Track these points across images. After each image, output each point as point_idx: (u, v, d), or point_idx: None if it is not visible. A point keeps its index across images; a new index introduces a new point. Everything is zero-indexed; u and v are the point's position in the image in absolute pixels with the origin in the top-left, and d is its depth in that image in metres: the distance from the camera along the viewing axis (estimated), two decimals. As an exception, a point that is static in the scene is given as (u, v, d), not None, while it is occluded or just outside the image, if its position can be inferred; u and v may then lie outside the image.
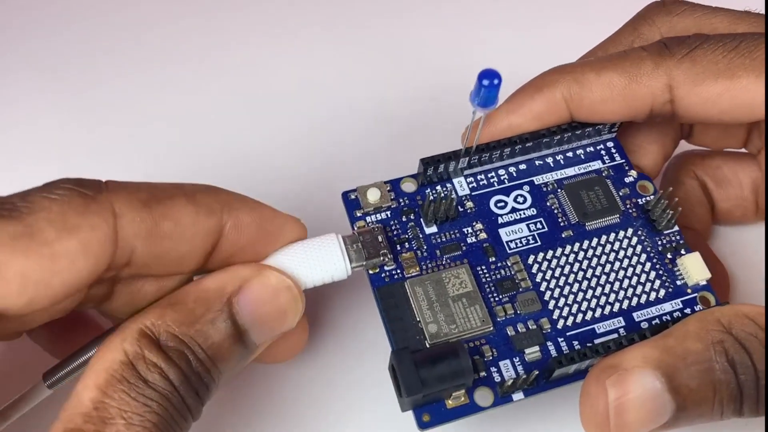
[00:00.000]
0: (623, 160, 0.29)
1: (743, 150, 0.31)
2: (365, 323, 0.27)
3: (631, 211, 0.27)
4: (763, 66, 0.25)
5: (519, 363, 0.25)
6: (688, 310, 0.26)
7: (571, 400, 0.23)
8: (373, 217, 0.27)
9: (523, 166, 0.28)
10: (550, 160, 0.28)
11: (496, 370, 0.24)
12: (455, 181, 0.28)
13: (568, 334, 0.25)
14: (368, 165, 0.28)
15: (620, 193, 0.28)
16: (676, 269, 0.26)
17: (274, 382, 0.27)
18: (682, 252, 0.27)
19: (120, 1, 0.39)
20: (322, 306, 0.28)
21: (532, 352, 0.25)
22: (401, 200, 0.27)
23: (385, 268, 0.26)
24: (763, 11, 0.28)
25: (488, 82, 0.23)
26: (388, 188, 0.27)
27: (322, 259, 0.25)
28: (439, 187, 0.27)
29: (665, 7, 0.29)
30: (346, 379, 0.27)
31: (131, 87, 0.36)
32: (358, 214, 0.27)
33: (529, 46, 0.37)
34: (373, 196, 0.27)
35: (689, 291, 0.26)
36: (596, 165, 0.28)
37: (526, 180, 0.28)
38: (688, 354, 0.22)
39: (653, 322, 0.25)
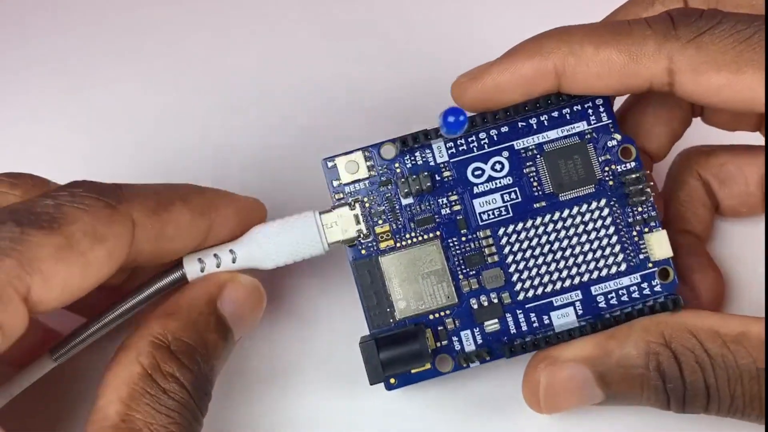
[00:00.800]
0: (609, 120, 0.28)
1: (750, 143, 0.29)
2: (344, 293, 0.29)
3: (608, 179, 0.28)
4: None
5: (478, 333, 0.27)
6: (645, 285, 0.27)
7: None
8: (351, 187, 0.28)
9: (505, 129, 0.28)
10: (533, 121, 0.28)
11: (457, 339, 0.27)
12: (434, 146, 0.28)
13: (526, 306, 0.27)
14: (346, 141, 0.28)
15: (600, 160, 0.28)
16: (641, 242, 0.27)
17: (250, 354, 0.30)
18: (652, 224, 0.27)
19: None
20: (300, 279, 0.30)
21: (491, 324, 0.27)
22: (380, 169, 0.28)
23: (362, 241, 0.28)
24: None
25: (453, 119, 0.22)
26: (368, 154, 0.28)
27: (300, 236, 0.27)
28: (417, 154, 0.28)
29: None
30: (323, 343, 0.30)
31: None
32: (337, 184, 0.28)
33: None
34: (351, 167, 0.28)
35: (650, 265, 0.27)
36: (581, 126, 0.28)
37: (506, 145, 0.28)
38: (623, 358, 0.25)
39: (608, 297, 0.27)
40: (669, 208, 0.30)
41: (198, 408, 0.24)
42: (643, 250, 0.27)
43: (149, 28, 0.35)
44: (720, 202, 0.30)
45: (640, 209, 0.27)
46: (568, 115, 0.28)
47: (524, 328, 0.27)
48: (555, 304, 0.27)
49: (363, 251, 0.28)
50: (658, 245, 0.27)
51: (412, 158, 0.28)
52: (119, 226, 0.23)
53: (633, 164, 0.27)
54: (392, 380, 0.27)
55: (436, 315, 0.27)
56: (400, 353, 0.26)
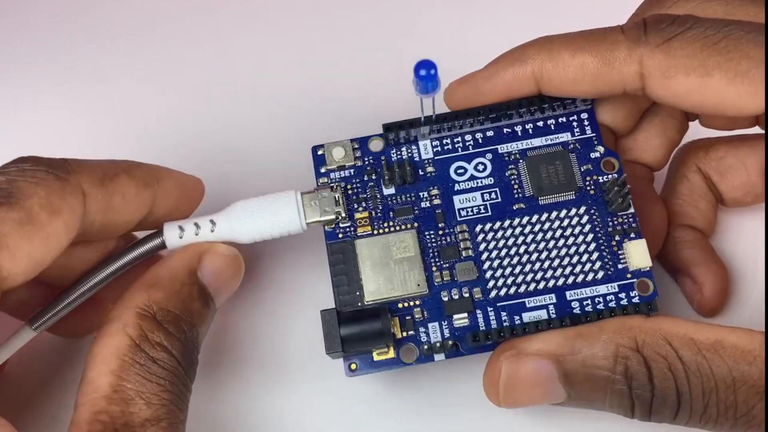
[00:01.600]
0: (593, 134, 0.28)
1: (749, 131, 0.30)
2: (319, 275, 0.29)
3: (589, 188, 0.28)
4: (738, 68, 0.24)
5: (446, 327, 0.27)
6: (622, 295, 0.27)
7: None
8: (337, 174, 0.29)
9: (490, 133, 0.29)
10: (518, 128, 0.29)
11: (424, 330, 0.27)
12: (421, 144, 0.29)
13: (498, 304, 0.27)
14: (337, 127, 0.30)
15: (582, 169, 0.28)
16: (620, 252, 0.27)
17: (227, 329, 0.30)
18: (632, 235, 0.27)
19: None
20: (279, 258, 0.30)
21: (460, 318, 0.27)
22: (366, 159, 0.29)
23: (340, 225, 0.28)
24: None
25: (425, 72, 0.23)
26: (356, 145, 0.29)
27: (280, 213, 0.28)
28: (404, 149, 0.29)
29: (658, 1, 0.27)
30: (290, 326, 0.30)
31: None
32: (323, 170, 0.29)
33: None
34: (338, 153, 0.29)
35: (629, 276, 0.27)
36: (565, 137, 0.29)
37: (490, 148, 0.29)
38: (589, 358, 0.24)
39: (584, 303, 0.27)
40: (670, 203, 0.30)
41: (187, 375, 0.25)
42: (621, 260, 0.27)
43: (148, 23, 0.37)
44: (723, 194, 0.30)
45: (620, 220, 0.27)
46: (552, 126, 0.29)
47: (494, 325, 0.26)
48: (527, 305, 0.27)
49: (340, 235, 0.28)
50: (636, 254, 0.27)
51: (398, 152, 0.29)
52: (71, 197, 0.24)
53: (615, 175, 0.28)
54: (353, 365, 0.27)
55: (406, 304, 0.27)
56: (361, 330, 0.26)
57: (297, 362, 0.29)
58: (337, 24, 0.36)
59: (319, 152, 0.29)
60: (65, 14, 0.38)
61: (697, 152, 0.30)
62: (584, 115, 0.29)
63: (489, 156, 0.29)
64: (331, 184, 0.28)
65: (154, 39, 0.37)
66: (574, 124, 0.29)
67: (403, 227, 0.28)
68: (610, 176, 0.28)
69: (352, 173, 0.29)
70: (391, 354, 0.27)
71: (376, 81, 0.33)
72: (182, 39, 0.36)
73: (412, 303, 0.27)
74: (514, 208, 0.28)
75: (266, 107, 0.33)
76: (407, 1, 0.36)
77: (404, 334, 0.27)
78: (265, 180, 0.30)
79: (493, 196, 0.28)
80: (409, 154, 0.29)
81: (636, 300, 0.26)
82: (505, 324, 0.26)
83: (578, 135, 0.29)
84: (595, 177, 0.28)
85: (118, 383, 0.23)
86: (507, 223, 0.28)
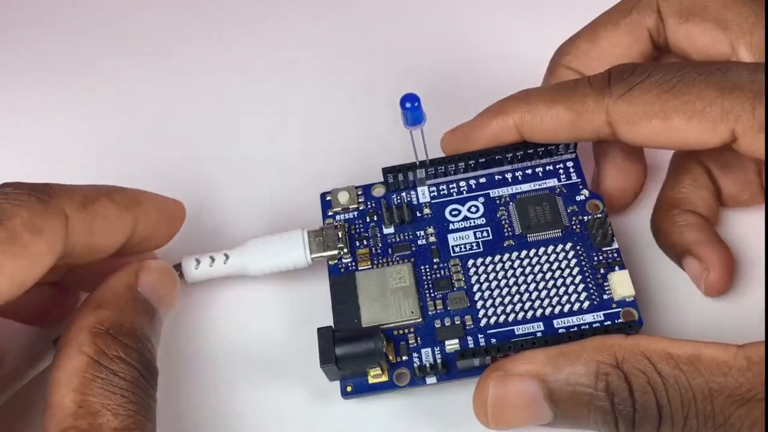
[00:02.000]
0: (579, 179, 0.31)
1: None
2: (324, 305, 0.31)
3: (574, 227, 0.30)
4: (693, 109, 0.26)
5: (438, 352, 0.28)
6: (608, 323, 0.28)
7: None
8: (341, 216, 0.31)
9: (483, 180, 0.31)
10: (509, 175, 0.31)
11: (417, 356, 0.28)
12: (419, 189, 0.32)
13: (488, 332, 0.28)
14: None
15: (568, 210, 0.30)
16: (605, 284, 0.28)
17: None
18: (615, 269, 0.29)
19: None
20: (287, 290, 0.32)
21: (452, 344, 0.28)
22: (369, 203, 0.31)
23: (343, 260, 0.30)
24: None
25: (410, 104, 0.26)
26: (360, 191, 0.32)
27: (288, 249, 0.30)
28: (404, 194, 0.31)
29: None
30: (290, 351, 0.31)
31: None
32: (330, 213, 0.31)
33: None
34: (343, 197, 0.31)
35: (614, 306, 0.28)
36: (552, 182, 0.31)
37: (482, 192, 0.31)
38: (572, 375, 0.24)
39: (570, 330, 0.28)
40: (674, 192, 0.30)
41: (149, 384, 0.25)
42: (607, 291, 0.28)
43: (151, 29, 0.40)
44: (722, 189, 0.30)
45: (604, 254, 0.29)
46: (540, 173, 0.31)
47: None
48: (516, 332, 0.28)
49: (342, 269, 0.30)
50: (620, 284, 0.28)
51: (398, 197, 0.31)
52: (54, 219, 0.24)
53: (599, 215, 0.30)
54: (348, 387, 0.28)
55: (401, 331, 0.29)
56: (355, 350, 0.27)
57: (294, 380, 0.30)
58: (344, 81, 0.39)
59: (327, 198, 0.32)
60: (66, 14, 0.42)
61: None
62: (570, 163, 0.31)
63: (481, 199, 0.31)
64: (336, 224, 0.31)
65: (158, 94, 0.39)
66: (560, 171, 0.31)
67: (401, 262, 0.30)
68: (595, 216, 0.30)
69: (356, 215, 0.31)
70: (386, 377, 0.28)
71: (381, 130, 0.35)
72: (188, 91, 0.39)
73: (406, 330, 0.29)
74: (504, 244, 0.30)
75: (276, 153, 0.36)
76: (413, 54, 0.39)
77: (399, 359, 0.28)
78: (276, 219, 0.32)
79: (485, 234, 0.30)
80: (408, 198, 0.31)
81: (620, 321, 0.27)
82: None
83: (564, 180, 0.31)
84: (580, 217, 0.30)
85: (83, 399, 0.23)
86: (497, 258, 0.29)
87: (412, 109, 0.26)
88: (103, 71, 0.40)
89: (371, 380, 0.28)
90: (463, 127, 0.31)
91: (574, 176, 0.31)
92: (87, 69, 0.40)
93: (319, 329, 0.27)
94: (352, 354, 0.27)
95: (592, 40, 0.31)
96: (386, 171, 0.31)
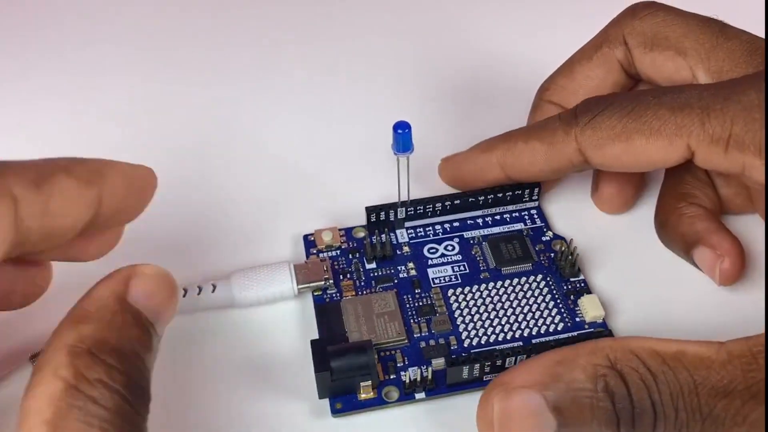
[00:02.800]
0: (543, 224, 0.34)
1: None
2: (307, 333, 0.31)
3: (543, 261, 0.32)
4: (651, 128, 0.29)
5: (425, 370, 0.29)
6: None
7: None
8: (325, 254, 0.33)
9: (456, 223, 0.34)
10: (479, 220, 0.34)
11: (405, 374, 0.29)
12: (398, 231, 0.34)
13: (472, 351, 0.29)
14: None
15: (536, 248, 0.33)
16: (576, 309, 0.31)
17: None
18: (584, 294, 0.31)
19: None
20: (273, 319, 0.33)
21: (438, 362, 0.29)
22: (351, 243, 0.33)
23: (328, 291, 0.31)
24: (727, 20, 0.32)
25: (402, 131, 0.29)
26: (342, 233, 0.34)
27: (275, 280, 0.31)
28: (384, 235, 0.33)
29: (633, 11, 0.33)
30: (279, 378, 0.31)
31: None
32: (313, 251, 0.33)
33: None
34: (327, 236, 0.33)
35: (586, 326, 0.30)
36: (519, 226, 0.34)
37: (456, 234, 0.34)
38: (572, 382, 0.25)
39: (549, 345, 0.29)
40: (678, 188, 0.32)
41: (136, 412, 0.22)
42: (578, 314, 0.31)
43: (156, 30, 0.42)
44: (718, 189, 0.32)
45: (573, 284, 0.31)
46: (508, 218, 0.34)
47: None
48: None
49: (327, 300, 0.31)
50: (591, 307, 0.30)
51: (380, 238, 0.33)
52: (0, 205, 0.21)
53: (564, 250, 0.32)
54: (338, 404, 0.28)
55: (388, 352, 0.29)
56: (348, 363, 0.28)
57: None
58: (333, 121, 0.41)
59: (310, 238, 0.33)
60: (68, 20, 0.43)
61: None
62: (533, 210, 0.34)
63: (456, 240, 0.33)
64: (320, 258, 0.32)
65: (155, 125, 0.40)
66: (525, 217, 0.34)
67: (384, 291, 0.31)
68: (561, 251, 0.32)
69: (338, 253, 0.33)
70: (374, 394, 0.28)
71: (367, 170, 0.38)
72: (179, 126, 0.40)
73: (393, 351, 0.29)
74: (481, 276, 0.32)
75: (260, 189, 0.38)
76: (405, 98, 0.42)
77: (387, 377, 0.29)
78: (261, 254, 0.33)
79: (462, 268, 0.32)
80: (388, 238, 0.33)
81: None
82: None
83: (530, 224, 0.34)
84: (547, 254, 0.33)
85: None
86: (475, 288, 0.31)
87: (403, 135, 0.29)
88: (104, 71, 0.42)
89: (361, 397, 0.28)
90: (455, 158, 0.34)
91: (538, 221, 0.34)
92: (87, 69, 0.42)
93: (312, 341, 0.28)
94: (348, 365, 0.27)
95: (569, 75, 0.34)
96: (369, 210, 0.33)
